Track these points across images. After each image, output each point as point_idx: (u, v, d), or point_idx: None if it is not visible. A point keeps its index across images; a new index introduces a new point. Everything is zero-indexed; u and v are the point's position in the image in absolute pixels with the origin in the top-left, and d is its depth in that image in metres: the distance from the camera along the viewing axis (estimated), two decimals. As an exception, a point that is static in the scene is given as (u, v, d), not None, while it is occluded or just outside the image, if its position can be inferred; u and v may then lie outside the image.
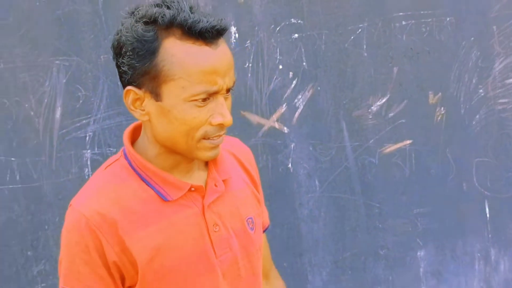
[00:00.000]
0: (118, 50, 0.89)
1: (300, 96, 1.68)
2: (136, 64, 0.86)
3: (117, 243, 0.90)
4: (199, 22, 0.83)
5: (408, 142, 1.86)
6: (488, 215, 1.99)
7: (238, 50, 1.59)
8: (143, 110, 0.90)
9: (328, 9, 1.69)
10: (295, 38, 1.66)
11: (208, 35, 0.85)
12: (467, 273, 1.97)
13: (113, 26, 1.47)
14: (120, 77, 0.91)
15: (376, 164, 1.81)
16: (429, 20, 1.82)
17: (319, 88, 1.71)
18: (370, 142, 1.80)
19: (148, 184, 0.94)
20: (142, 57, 0.86)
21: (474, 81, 1.93)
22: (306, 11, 1.66)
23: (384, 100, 1.80)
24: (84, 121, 1.46)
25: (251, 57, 1.60)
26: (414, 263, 1.90)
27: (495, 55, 1.96)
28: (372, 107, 1.79)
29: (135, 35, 0.85)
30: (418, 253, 1.91)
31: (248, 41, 1.59)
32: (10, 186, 1.41)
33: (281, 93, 1.66)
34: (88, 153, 1.47)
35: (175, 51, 0.85)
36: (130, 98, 0.90)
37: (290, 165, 1.68)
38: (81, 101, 1.46)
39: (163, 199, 0.94)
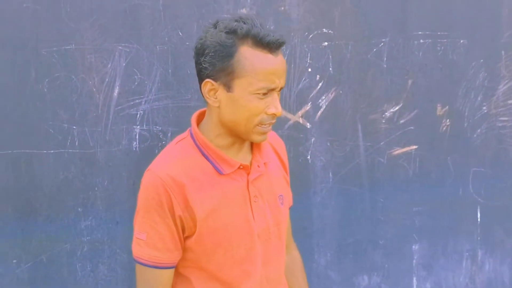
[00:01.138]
0: (201, 51, 1.14)
1: (323, 97, 1.89)
2: (216, 63, 1.12)
3: (183, 201, 1.15)
4: (267, 36, 1.10)
5: (414, 147, 2.04)
6: (479, 220, 2.19)
7: (274, 52, 1.80)
8: (216, 98, 1.16)
9: (356, 23, 1.89)
10: (325, 46, 1.86)
11: (273, 46, 1.11)
12: (455, 269, 2.17)
13: (170, 21, 1.67)
14: (199, 71, 1.17)
15: (384, 163, 2.01)
16: (444, 40, 2.02)
17: (341, 92, 1.91)
18: (381, 143, 2.00)
19: (207, 159, 1.19)
20: (222, 58, 1.12)
21: (479, 98, 2.12)
22: (337, 23, 1.87)
23: (397, 108, 2.00)
24: (137, 100, 1.67)
25: (285, 59, 1.80)
26: (409, 255, 2.08)
27: (501, 77, 2.15)
28: (386, 113, 1.99)
29: (218, 41, 1.11)
30: (413, 247, 2.09)
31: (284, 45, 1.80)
32: (70, 150, 1.61)
33: (307, 93, 1.86)
34: (137, 129, 1.68)
35: (248, 56, 1.11)
36: (207, 88, 1.16)
37: (309, 157, 1.89)
38: (136, 83, 1.66)
39: (219, 172, 1.18)
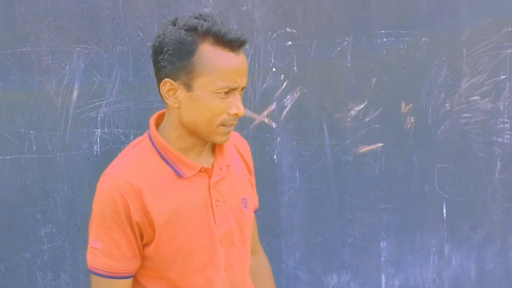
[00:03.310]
0: (159, 50, 1.10)
1: (289, 97, 1.89)
2: (176, 61, 1.08)
3: (140, 207, 1.10)
4: (229, 33, 1.07)
5: (380, 145, 2.06)
6: (445, 215, 2.23)
7: (238, 52, 1.78)
8: (175, 99, 1.12)
9: (320, 22, 1.90)
10: (289, 45, 1.86)
11: (234, 44, 1.09)
12: (423, 265, 2.20)
13: (130, 21, 1.64)
14: (158, 70, 1.13)
15: (350, 162, 2.02)
16: (407, 39, 2.04)
17: (306, 91, 1.91)
18: (347, 142, 2.01)
19: (167, 162, 1.15)
20: (181, 56, 1.08)
21: (442, 96, 2.16)
22: (300, 22, 1.87)
23: (362, 106, 2.02)
24: (97, 103, 1.63)
25: (249, 59, 1.80)
26: (377, 252, 2.10)
27: (463, 74, 2.19)
28: (351, 112, 2.00)
29: (178, 38, 1.07)
30: (381, 244, 2.11)
31: (247, 45, 1.79)
32: (27, 156, 1.56)
33: (272, 93, 1.86)
34: (98, 132, 1.64)
35: (208, 54, 1.08)
36: (166, 88, 1.12)
37: (275, 157, 1.88)
38: (96, 85, 1.62)
39: (179, 175, 1.14)
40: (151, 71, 1.66)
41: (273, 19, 1.82)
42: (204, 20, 1.08)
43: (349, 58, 1.96)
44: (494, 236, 2.33)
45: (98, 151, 1.63)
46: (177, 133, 1.15)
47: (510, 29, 2.23)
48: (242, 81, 1.10)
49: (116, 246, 1.11)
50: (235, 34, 1.08)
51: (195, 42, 1.07)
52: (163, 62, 1.10)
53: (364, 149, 2.03)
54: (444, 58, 2.13)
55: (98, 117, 1.63)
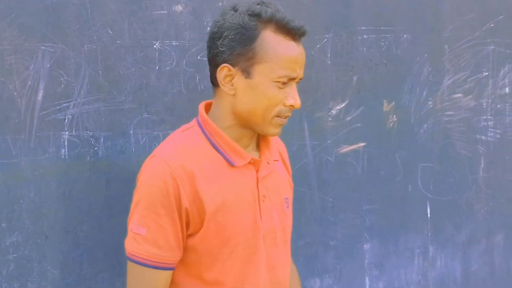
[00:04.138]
0: (218, 35, 1.09)
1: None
2: (236, 46, 1.07)
3: (191, 192, 1.06)
4: (292, 21, 1.07)
5: (362, 144, 2.02)
6: (429, 215, 2.19)
7: (213, 49, 1.72)
8: (232, 86, 1.09)
9: (298, 19, 1.82)
10: (266, 42, 1.79)
11: (296, 33, 1.08)
12: (407, 266, 2.16)
13: (98, 18, 1.56)
14: (214, 56, 1.11)
15: (332, 162, 1.97)
16: (388, 35, 2.00)
17: (285, 90, 1.85)
18: (328, 142, 1.95)
19: (217, 150, 1.11)
20: (243, 41, 1.06)
21: (424, 93, 2.12)
22: (278, 19, 1.80)
23: (343, 105, 1.96)
24: (64, 104, 1.55)
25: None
26: (360, 254, 2.06)
27: (445, 71, 2.15)
28: (332, 111, 1.95)
29: (240, 23, 1.06)
30: (364, 246, 2.06)
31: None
32: (-10, 161, 1.48)
33: (250, 92, 1.79)
34: (66, 135, 1.56)
35: (270, 40, 1.06)
36: (223, 74, 1.09)
37: (254, 158, 1.82)
38: (62, 86, 1.54)
39: (230, 164, 1.11)
40: (122, 70, 1.60)
41: (250, 15, 1.76)
42: (267, 7, 1.07)
43: (329, 55, 1.90)
44: (479, 235, 2.30)
45: (66, 155, 1.55)
46: (227, 122, 1.13)
47: (492, 25, 2.20)
48: (301, 72, 1.09)
49: (163, 233, 1.05)
50: (298, 23, 1.08)
51: (258, 28, 1.06)
52: (221, 47, 1.08)
53: (346, 149, 1.98)
54: (426, 55, 2.09)
55: (65, 119, 1.55)
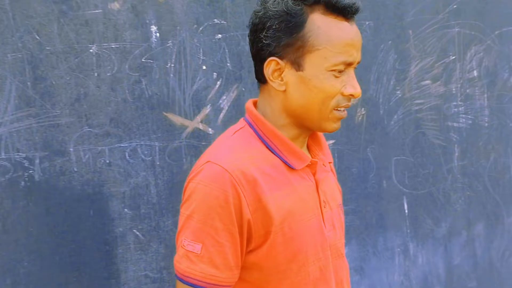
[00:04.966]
0: (261, 26, 0.95)
1: (224, 97, 1.66)
2: (282, 36, 0.93)
3: (254, 200, 0.91)
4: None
5: (331, 141, 1.89)
6: (406, 211, 2.07)
7: (160, 50, 1.54)
8: (282, 81, 0.96)
9: (251, 11, 1.67)
10: (219, 39, 1.63)
11: (349, 11, 0.93)
12: (388, 267, 2.04)
13: (22, 22, 1.36)
14: (259, 50, 0.97)
15: (300, 164, 1.82)
16: (350, 23, 1.86)
17: (243, 89, 1.69)
18: (295, 142, 1.81)
19: (274, 152, 0.97)
20: (289, 29, 0.92)
21: (392, 82, 2.00)
22: (229, 12, 1.64)
23: (307, 101, 1.82)
24: (-11, 124, 1.35)
25: (173, 57, 1.55)
26: (339, 260, 1.93)
27: (411, 58, 2.04)
28: (296, 108, 1.80)
29: (285, 9, 0.92)
30: (342, 250, 1.94)
31: (170, 41, 1.54)
32: None
33: (205, 94, 1.62)
34: (-5, 159, 1.35)
35: (321, 24, 0.92)
36: (270, 68, 0.96)
37: (215, 167, 1.65)
38: (-14, 103, 1.34)
39: (290, 167, 0.97)
40: (54, 80, 1.40)
41: (198, 10, 1.59)
42: None
43: (288, 48, 1.75)
44: (459, 227, 2.20)
45: (-3, 182, 1.34)
46: (280, 121, 0.99)
47: (455, 6, 2.10)
48: (358, 55, 0.96)
49: (220, 250, 0.90)
50: (349, 0, 0.94)
51: (305, 12, 0.93)
52: (266, 40, 0.95)
53: (314, 148, 1.84)
54: (390, 42, 1.97)
55: (-8, 141, 1.34)
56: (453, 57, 2.13)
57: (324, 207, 1.01)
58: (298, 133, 1.01)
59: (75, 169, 1.44)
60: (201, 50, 1.60)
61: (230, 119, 1.67)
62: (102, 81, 1.46)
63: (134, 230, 1.53)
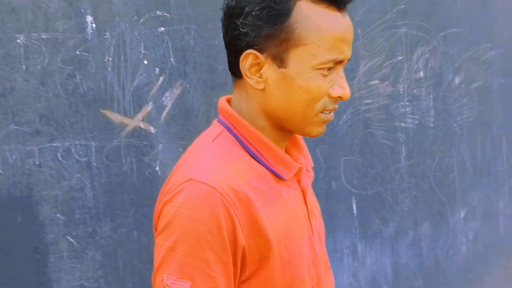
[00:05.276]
0: (237, 10, 0.81)
1: (167, 94, 1.57)
2: (263, 26, 0.79)
3: (248, 222, 0.77)
4: None
5: (280, 142, 1.84)
6: (355, 212, 2.06)
7: (96, 42, 1.43)
8: (260, 78, 0.83)
9: (196, 3, 1.60)
10: (161, 32, 1.54)
11: (342, 0, 0.80)
12: (337, 269, 2.02)
13: None
14: (235, 39, 0.82)
15: (248, 164, 1.76)
16: (299, 20, 1.82)
17: (188, 86, 1.61)
18: (242, 142, 1.74)
19: (258, 160, 0.84)
20: (272, 18, 0.79)
21: (341, 82, 1.98)
22: (173, 4, 1.55)
23: (255, 100, 1.76)
24: None
25: (112, 50, 1.45)
26: (287, 263, 1.89)
27: (360, 57, 2.03)
28: (244, 107, 1.74)
29: None
30: (291, 253, 1.90)
31: (108, 33, 1.44)
32: None
33: (146, 90, 1.53)
34: None
35: (309, 13, 0.79)
36: (247, 63, 0.82)
37: (157, 168, 1.56)
38: None
39: (279, 177, 0.85)
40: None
41: (138, 0, 1.49)
42: None
43: (235, 44, 1.68)
44: (406, 227, 2.21)
45: None
46: (258, 123, 0.86)
47: (402, 6, 2.11)
48: (349, 51, 0.84)
49: (212, 286, 0.75)
50: None
51: None
52: (243, 28, 0.81)
53: (263, 148, 1.78)
54: (339, 40, 1.94)
55: None
56: (401, 57, 2.14)
57: (312, 218, 0.91)
58: (280, 137, 0.88)
59: (1, 171, 1.31)
60: (142, 44, 1.50)
61: (174, 118, 1.58)
62: (31, 75, 1.33)
63: (68, 237, 1.42)
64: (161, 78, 1.55)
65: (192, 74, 1.61)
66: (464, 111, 2.39)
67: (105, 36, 1.44)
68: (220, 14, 1.67)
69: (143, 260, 1.53)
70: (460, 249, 2.45)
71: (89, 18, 1.41)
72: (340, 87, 0.83)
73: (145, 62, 1.51)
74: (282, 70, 0.82)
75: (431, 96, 2.26)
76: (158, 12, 1.52)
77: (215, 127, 0.89)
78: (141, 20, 1.50)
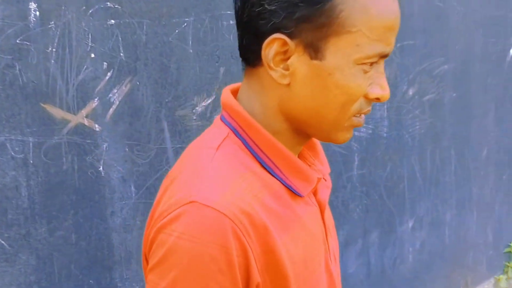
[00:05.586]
0: None
1: (115, 91, 1.49)
2: (300, 4, 0.62)
3: (263, 254, 0.63)
4: None
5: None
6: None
7: (39, 31, 1.33)
8: (287, 70, 0.66)
9: (151, -3, 1.53)
10: (111, 25, 1.46)
11: None
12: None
13: None
14: (258, 18, 0.64)
15: (199, 168, 1.71)
16: (257, 22, 1.79)
17: (138, 83, 1.53)
18: (193, 144, 1.69)
19: (270, 171, 0.69)
20: None
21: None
22: (125, -4, 1.48)
23: (209, 101, 1.71)
24: None
25: (56, 40, 1.36)
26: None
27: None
28: (197, 108, 1.68)
29: None
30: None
31: (53, 22, 1.35)
32: None
33: (92, 86, 1.44)
34: None
35: None
36: (273, 50, 0.65)
37: (101, 168, 1.48)
38: None
39: (296, 194, 0.70)
40: None
41: (88, -11, 1.40)
42: None
43: (190, 43, 1.62)
44: (355, 236, 2.21)
45: None
46: (273, 126, 0.70)
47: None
48: (393, 44, 0.69)
49: None
50: None
51: None
52: (271, 4, 0.63)
53: (214, 151, 1.73)
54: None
55: None
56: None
57: (330, 236, 0.79)
58: (296, 142, 0.73)
59: None
60: (89, 36, 1.42)
61: (121, 116, 1.50)
62: (-37, 62, 1.23)
63: (-2, 239, 1.31)
64: (109, 74, 1.47)
65: (143, 71, 1.53)
66: (416, 123, 2.43)
67: (50, 26, 1.35)
68: (176, 11, 1.61)
69: (80, 265, 1.44)
70: (406, 258, 2.48)
71: (32, 5, 1.31)
72: (380, 86, 0.68)
73: (92, 55, 1.43)
74: (316, 62, 0.65)
75: (385, 106, 2.27)
76: (108, 3, 1.44)
77: (219, 129, 0.72)
78: (90, 11, 1.41)
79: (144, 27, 1.52)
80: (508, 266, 3.07)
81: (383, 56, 0.67)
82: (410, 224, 2.47)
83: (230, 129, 0.70)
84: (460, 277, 2.81)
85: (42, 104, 1.36)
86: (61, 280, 1.43)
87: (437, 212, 2.61)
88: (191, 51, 1.63)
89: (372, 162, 2.24)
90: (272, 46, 0.65)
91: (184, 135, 1.65)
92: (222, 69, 1.72)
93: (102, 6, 1.43)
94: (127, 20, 1.48)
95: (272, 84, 0.68)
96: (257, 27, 0.66)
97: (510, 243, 3.08)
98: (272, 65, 0.66)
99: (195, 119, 1.68)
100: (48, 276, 1.40)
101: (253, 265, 0.62)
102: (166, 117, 1.60)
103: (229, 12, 1.71)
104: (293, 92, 0.68)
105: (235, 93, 0.75)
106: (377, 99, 0.68)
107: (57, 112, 1.38)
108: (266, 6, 0.64)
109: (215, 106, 1.72)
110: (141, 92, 1.54)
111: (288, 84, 0.67)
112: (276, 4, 0.64)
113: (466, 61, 2.63)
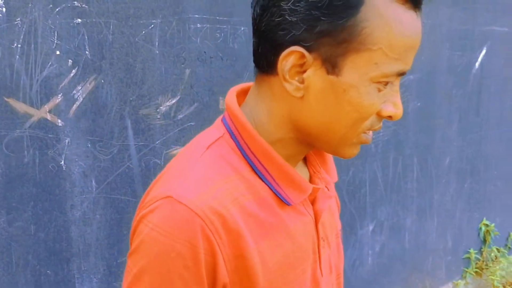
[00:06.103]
0: None
1: (79, 88, 1.53)
2: (322, 18, 0.61)
3: (234, 257, 0.63)
4: None
5: (196, 145, 1.84)
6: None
7: (5, 27, 1.37)
8: (302, 83, 0.65)
9: (118, -2, 1.57)
10: (78, 24, 1.50)
11: None
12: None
13: None
14: (277, 28, 0.63)
15: (161, 165, 1.75)
16: (224, 26, 1.84)
17: (103, 81, 1.57)
18: (157, 142, 1.73)
19: (262, 177, 0.68)
20: (335, 10, 0.61)
21: (262, 91, 2.01)
22: (93, -4, 1.52)
23: (174, 101, 1.76)
24: None
25: (21, 36, 1.39)
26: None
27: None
28: (161, 107, 1.73)
29: None
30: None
31: (19, 18, 1.38)
32: None
33: (56, 82, 1.48)
34: None
35: (384, 10, 0.61)
36: (290, 62, 0.64)
37: (62, 162, 1.52)
38: None
39: (285, 202, 0.69)
40: None
41: (56, -12, 1.44)
42: None
43: (157, 44, 1.67)
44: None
45: None
46: (278, 134, 0.70)
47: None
48: (411, 62, 0.68)
49: None
50: None
51: None
52: (292, 16, 0.62)
53: (178, 150, 1.78)
54: (264, 50, 1.97)
55: None
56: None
57: (323, 247, 0.77)
58: (297, 151, 0.73)
59: None
60: (55, 33, 1.46)
61: (85, 112, 1.54)
62: None
63: (-45, 228, 1.34)
64: (74, 71, 1.51)
65: (108, 69, 1.58)
66: (380, 130, 2.51)
67: (16, 22, 1.38)
68: (144, 13, 1.66)
69: (38, 256, 1.48)
70: (366, 261, 2.56)
71: (-2, 1, 1.35)
72: (393, 104, 0.67)
73: (58, 52, 1.47)
74: (332, 78, 0.64)
75: (350, 112, 2.34)
76: (76, 3, 1.48)
77: (216, 129, 0.72)
78: (57, 9, 1.45)
79: (111, 27, 1.56)
80: (466, 272, 3.18)
81: (400, 74, 0.66)
82: (371, 228, 2.55)
83: (227, 130, 0.71)
84: (419, 281, 2.90)
85: (5, 98, 1.39)
86: (19, 270, 1.46)
87: (398, 217, 2.69)
88: (157, 52, 1.68)
89: (336, 166, 2.30)
90: (289, 59, 0.65)
91: (147, 133, 1.70)
92: (187, 71, 1.77)
93: (69, 5, 1.47)
94: (94, 20, 1.52)
95: (283, 94, 0.68)
96: (275, 38, 0.65)
97: (469, 249, 3.18)
98: (287, 77, 0.66)
99: (159, 118, 1.73)
100: (5, 265, 1.44)
101: (221, 265, 0.63)
102: (130, 115, 1.65)
103: (196, 15, 1.76)
104: (305, 105, 0.67)
105: (243, 94, 0.75)
106: (390, 117, 0.68)
107: (20, 107, 1.42)
108: (287, 17, 0.63)
109: (180, 106, 1.77)
110: (105, 90, 1.58)
111: (302, 97, 0.67)
112: (297, 16, 0.63)
113: (431, 72, 2.72)
